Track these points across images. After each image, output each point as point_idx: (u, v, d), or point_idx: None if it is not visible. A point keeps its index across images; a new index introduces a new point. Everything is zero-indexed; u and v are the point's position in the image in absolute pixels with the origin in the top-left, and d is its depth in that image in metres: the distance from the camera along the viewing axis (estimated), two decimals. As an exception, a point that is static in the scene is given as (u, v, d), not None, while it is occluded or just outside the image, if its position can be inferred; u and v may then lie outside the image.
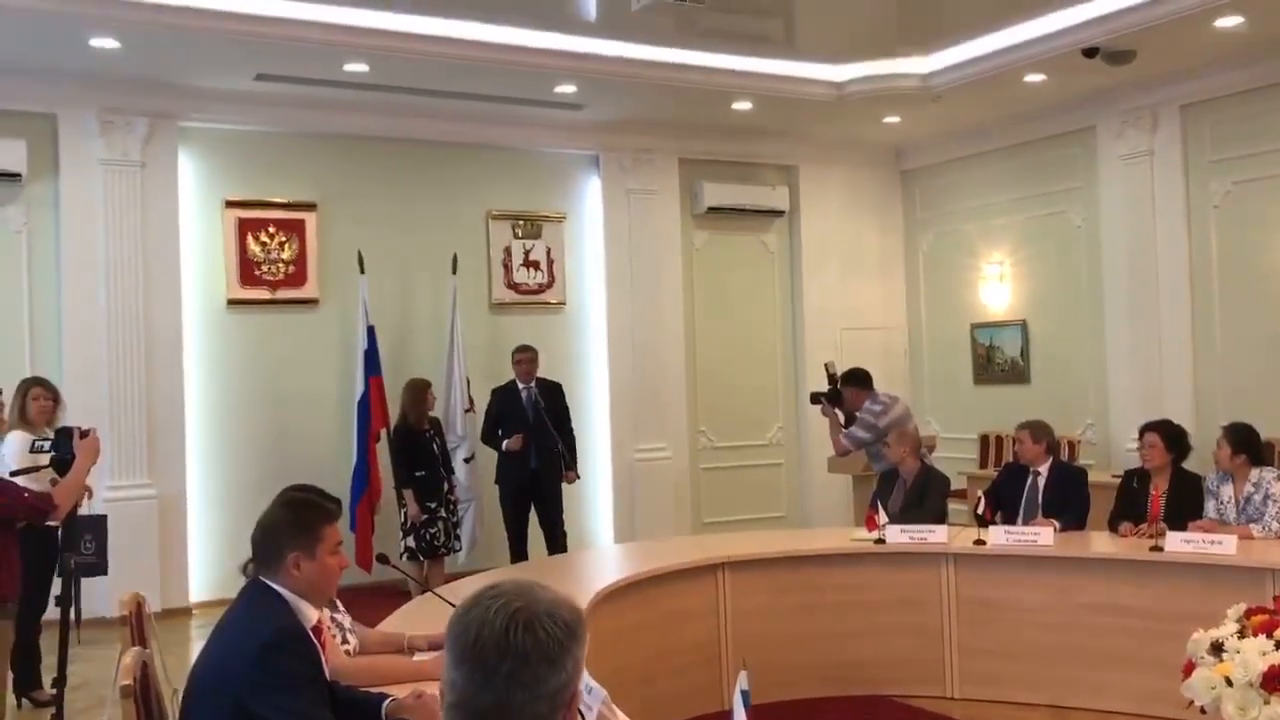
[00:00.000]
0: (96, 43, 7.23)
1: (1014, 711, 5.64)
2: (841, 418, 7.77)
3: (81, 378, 7.90)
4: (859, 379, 7.72)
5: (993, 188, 10.54)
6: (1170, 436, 6.10)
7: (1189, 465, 6.20)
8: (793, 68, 9.03)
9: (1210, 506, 5.86)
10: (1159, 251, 9.08)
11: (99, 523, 5.89)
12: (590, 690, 2.98)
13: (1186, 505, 5.88)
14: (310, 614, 2.86)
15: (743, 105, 9.37)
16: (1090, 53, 8.01)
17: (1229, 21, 7.46)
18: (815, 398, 8.07)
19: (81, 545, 5.73)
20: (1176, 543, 5.39)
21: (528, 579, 1.66)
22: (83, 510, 5.99)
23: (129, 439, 8.11)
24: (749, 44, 8.66)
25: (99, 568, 5.83)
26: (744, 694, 2.36)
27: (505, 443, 8.24)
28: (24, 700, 5.80)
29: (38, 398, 6.10)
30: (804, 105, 9.39)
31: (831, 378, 7.93)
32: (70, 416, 6.58)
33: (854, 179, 11.19)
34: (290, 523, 2.86)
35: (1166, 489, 5.97)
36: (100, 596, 6.65)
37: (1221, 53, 8.13)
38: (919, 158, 11.25)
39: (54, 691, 5.33)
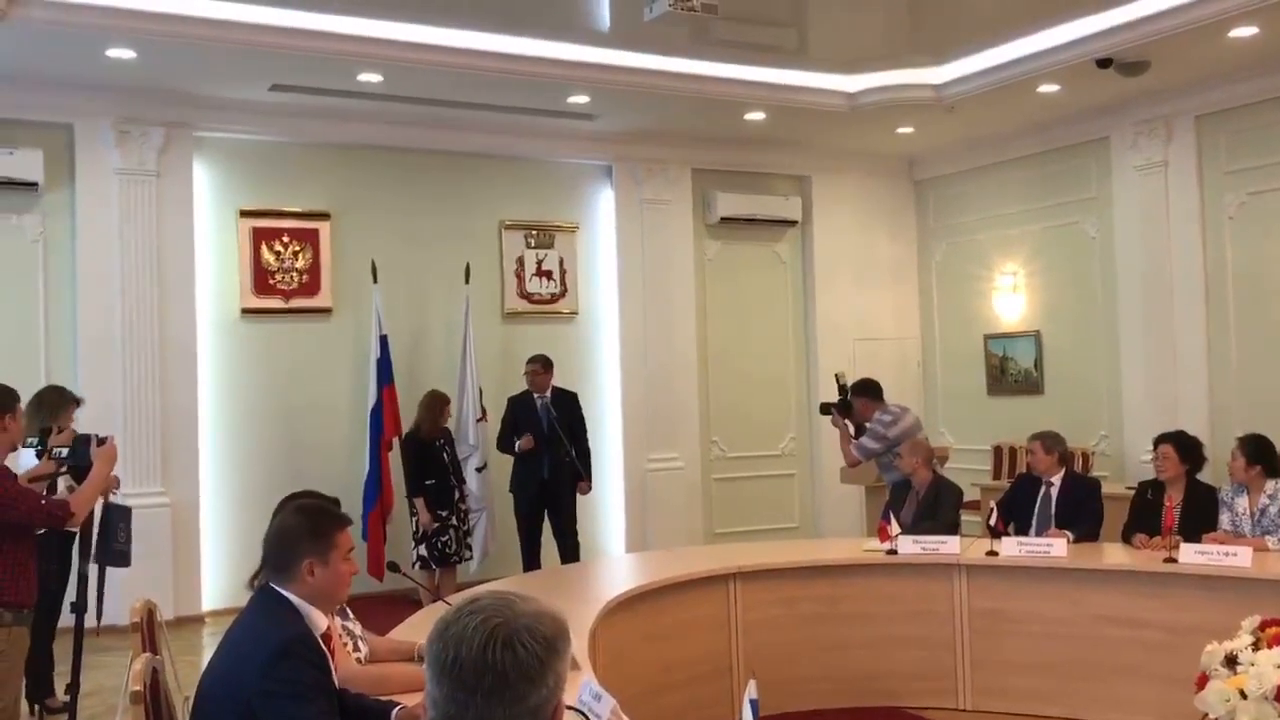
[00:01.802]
0: (113, 53, 7.29)
1: (1027, 724, 5.62)
2: (852, 428, 7.75)
3: (96, 386, 7.93)
4: (869, 390, 7.70)
5: (1006, 198, 10.52)
6: (1185, 448, 6.07)
7: (1204, 477, 6.16)
8: (806, 78, 9.04)
9: (1225, 518, 5.82)
10: (1173, 262, 9.05)
11: (125, 513, 5.90)
12: (600, 698, 2.98)
13: (1201, 517, 5.84)
14: (320, 621, 2.87)
15: (756, 116, 9.38)
16: (1104, 63, 7.99)
17: (1243, 32, 7.44)
18: (825, 408, 8.05)
19: (117, 533, 5.74)
20: (1191, 554, 5.37)
21: (510, 591, 1.65)
22: (112, 500, 6.02)
23: (143, 447, 8.14)
24: (762, 54, 8.68)
25: (126, 558, 5.84)
26: (753, 703, 2.36)
27: (518, 443, 8.26)
28: (36, 707, 5.81)
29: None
30: (817, 115, 9.39)
31: (842, 388, 7.91)
32: (85, 424, 6.61)
33: (867, 189, 11.19)
34: (306, 529, 2.87)
35: (1181, 500, 5.94)
36: (113, 603, 6.66)
37: (1236, 63, 8.11)
38: (932, 168, 11.24)
39: (67, 698, 5.35)
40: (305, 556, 2.83)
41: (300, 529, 2.87)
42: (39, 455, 5.33)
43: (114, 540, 5.47)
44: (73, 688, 4.73)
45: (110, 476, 4.61)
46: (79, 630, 4.94)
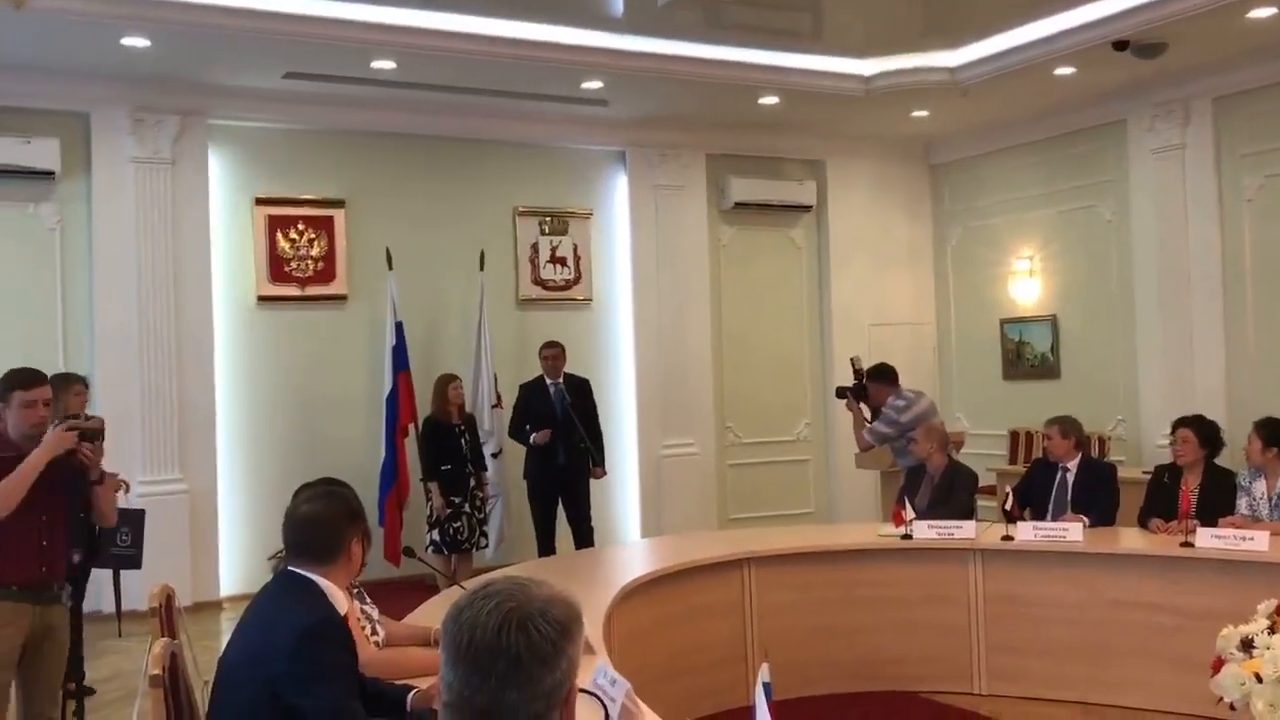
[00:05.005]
0: (128, 42, 7.31)
1: (1041, 708, 5.61)
2: (867, 413, 7.74)
3: (114, 373, 8.01)
4: (884, 374, 7.68)
5: (1022, 182, 10.47)
6: (1204, 431, 6.03)
7: (1221, 461, 6.13)
8: (820, 62, 9.01)
9: (1242, 502, 5.79)
10: (1191, 246, 9.00)
11: (136, 517, 5.94)
12: (614, 683, 2.99)
13: (1218, 501, 5.81)
14: (343, 602, 2.91)
15: (770, 100, 9.35)
16: (1120, 45, 7.94)
17: (1262, 12, 7.38)
18: (840, 392, 8.04)
19: (118, 537, 5.79)
20: (1207, 539, 5.35)
21: (524, 576, 1.66)
22: (120, 504, 6.07)
23: (161, 434, 8.19)
24: (776, 39, 8.64)
25: (134, 560, 5.88)
26: (766, 686, 2.36)
27: (534, 437, 8.27)
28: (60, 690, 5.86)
29: (79, 394, 6.16)
30: (831, 100, 9.36)
31: (857, 373, 7.91)
32: (103, 412, 6.65)
33: (882, 173, 11.15)
34: (345, 511, 2.97)
35: (1198, 485, 5.91)
36: (133, 590, 6.74)
37: (1254, 44, 8.04)
38: (948, 152, 11.19)
39: (84, 686, 5.38)
40: (352, 537, 2.94)
41: (340, 512, 2.96)
42: None
43: (112, 543, 5.52)
44: (76, 675, 4.70)
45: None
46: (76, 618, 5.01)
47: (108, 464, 6.21)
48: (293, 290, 8.87)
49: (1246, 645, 3.69)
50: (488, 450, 8.70)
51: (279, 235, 8.83)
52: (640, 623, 5.05)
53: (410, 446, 8.65)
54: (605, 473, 8.69)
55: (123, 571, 6.68)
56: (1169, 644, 5.27)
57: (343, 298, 9.04)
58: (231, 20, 7.18)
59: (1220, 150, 8.84)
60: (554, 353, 8.47)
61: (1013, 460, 9.89)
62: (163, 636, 3.38)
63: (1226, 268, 8.83)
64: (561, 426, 8.29)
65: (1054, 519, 6.16)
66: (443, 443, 8.11)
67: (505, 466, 8.90)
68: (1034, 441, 9.47)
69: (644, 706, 3.05)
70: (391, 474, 8.61)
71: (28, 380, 4.13)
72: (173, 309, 8.31)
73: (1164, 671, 5.29)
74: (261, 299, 8.79)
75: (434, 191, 9.35)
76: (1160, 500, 6.02)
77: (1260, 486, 5.75)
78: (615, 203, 10.17)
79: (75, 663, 5.85)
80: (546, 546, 8.38)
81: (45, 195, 8.09)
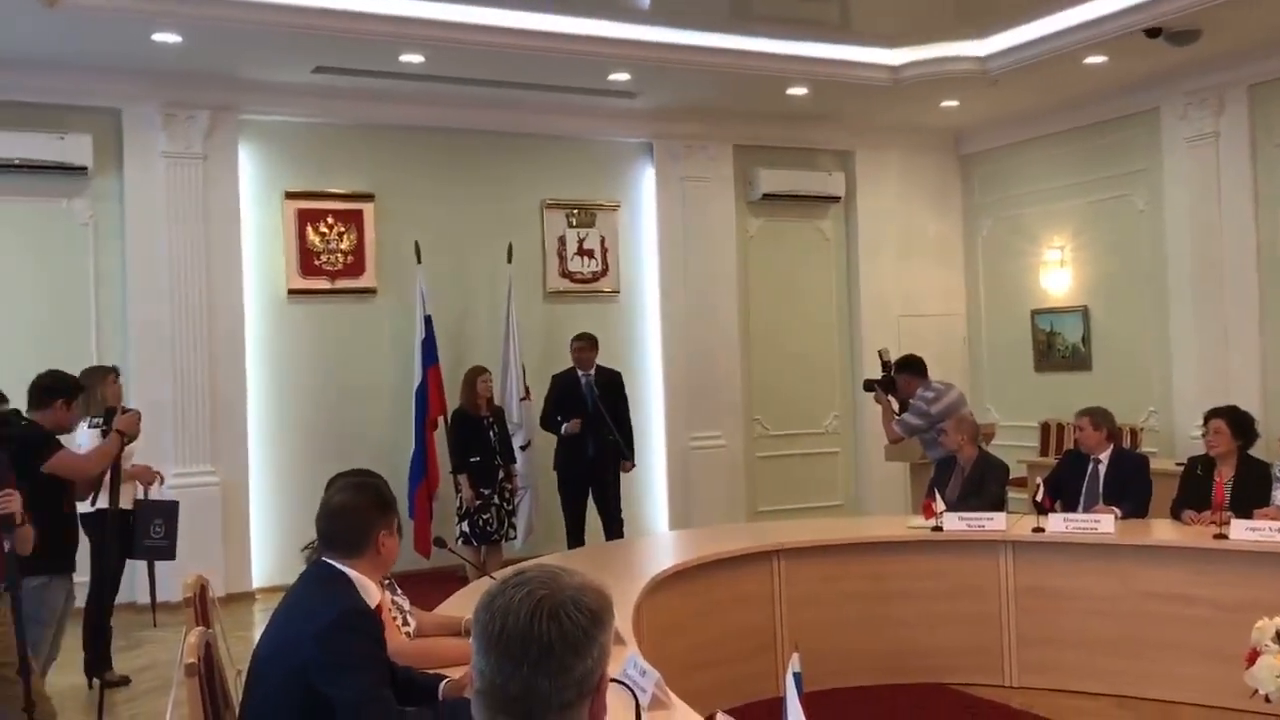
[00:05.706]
0: (159, 38, 7.37)
1: (1073, 701, 5.57)
2: (896, 405, 7.71)
3: (146, 367, 8.09)
4: (912, 366, 7.65)
5: (1053, 172, 10.39)
6: (1237, 422, 5.97)
7: (1255, 453, 6.07)
8: (848, 52, 8.96)
9: (1277, 494, 5.72)
10: (1225, 235, 8.90)
11: (170, 509, 6.00)
12: (644, 673, 3.00)
13: (1252, 493, 5.75)
14: (374, 594, 2.94)
15: (798, 91, 9.32)
16: (1153, 33, 7.85)
17: (1298, -2, 7.28)
18: (869, 385, 8.02)
19: (151, 529, 5.86)
20: (1241, 530, 5.29)
21: (554, 564, 1.67)
22: (154, 495, 6.14)
23: (193, 427, 8.27)
24: (803, 29, 8.60)
25: (168, 552, 5.95)
26: (796, 677, 2.36)
27: (565, 427, 8.30)
28: (95, 680, 5.94)
29: (114, 382, 6.23)
30: (860, 90, 9.32)
31: (885, 365, 7.88)
32: (136, 405, 6.71)
33: (911, 164, 11.09)
34: (375, 503, 3.00)
35: (1232, 476, 5.85)
36: (167, 582, 6.80)
37: (1290, 30, 7.94)
38: (978, 142, 11.11)
39: (120, 676, 5.45)
40: (379, 529, 2.96)
41: (369, 504, 2.98)
42: (104, 434, 5.45)
43: (145, 535, 5.58)
44: (92, 667, 4.72)
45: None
46: (93, 609, 5.06)
47: (142, 456, 6.31)
48: (323, 283, 8.93)
49: (1282, 637, 3.66)
50: (516, 442, 8.74)
51: (309, 229, 8.89)
52: (670, 614, 5.06)
53: (440, 439, 8.70)
54: (634, 465, 8.71)
55: (157, 563, 6.76)
56: (1202, 636, 5.23)
57: (372, 291, 9.09)
58: (261, 15, 7.22)
59: (1255, 139, 8.73)
60: (583, 345, 8.50)
61: (1044, 452, 9.83)
62: (197, 626, 3.41)
63: (1262, 257, 8.72)
64: (591, 419, 8.31)
65: (1085, 511, 6.12)
66: (471, 435, 8.15)
67: (534, 458, 8.93)
68: (1065, 433, 9.41)
69: (674, 697, 3.06)
70: (421, 466, 8.66)
71: None
72: (204, 303, 8.39)
73: (1197, 664, 5.25)
74: (292, 292, 8.85)
75: (462, 185, 9.38)
76: (1193, 492, 5.96)
77: (1296, 478, 5.69)
78: (642, 195, 10.17)
79: (97, 661, 5.94)
80: (576, 538, 8.41)
81: (78, 191, 8.18)
